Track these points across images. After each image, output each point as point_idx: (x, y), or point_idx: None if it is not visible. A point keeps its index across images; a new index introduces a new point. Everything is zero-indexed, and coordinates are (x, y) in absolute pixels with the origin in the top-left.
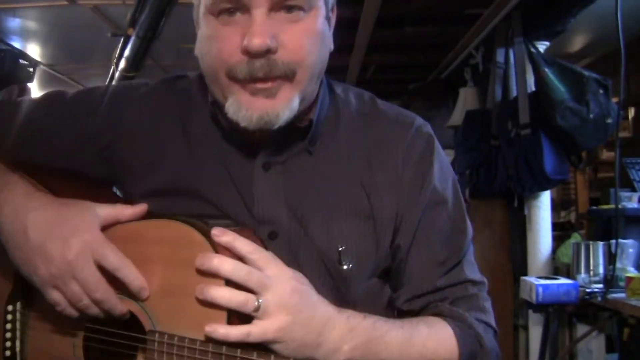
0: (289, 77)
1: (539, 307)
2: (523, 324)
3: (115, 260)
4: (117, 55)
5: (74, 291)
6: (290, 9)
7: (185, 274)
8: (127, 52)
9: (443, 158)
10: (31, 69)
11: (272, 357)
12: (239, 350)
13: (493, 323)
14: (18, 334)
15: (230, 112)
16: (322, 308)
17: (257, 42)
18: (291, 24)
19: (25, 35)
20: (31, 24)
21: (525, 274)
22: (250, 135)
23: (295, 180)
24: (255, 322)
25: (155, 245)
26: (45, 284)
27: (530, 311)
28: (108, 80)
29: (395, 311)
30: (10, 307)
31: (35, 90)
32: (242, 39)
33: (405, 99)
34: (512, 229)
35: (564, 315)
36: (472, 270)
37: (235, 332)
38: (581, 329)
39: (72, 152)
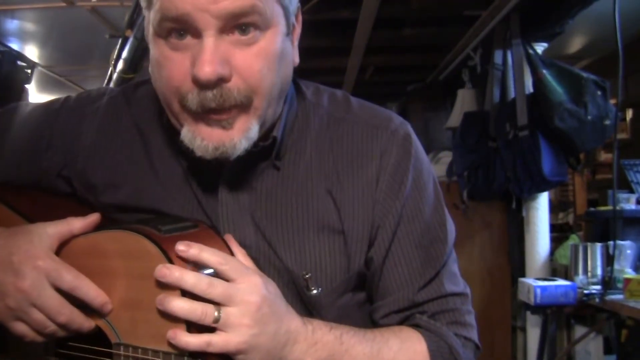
0: (245, 105)
1: (537, 309)
2: (521, 326)
3: (72, 279)
4: (115, 57)
5: (37, 319)
6: (244, 29)
7: (144, 285)
8: (125, 54)
9: (421, 160)
10: (29, 71)
11: None
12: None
13: (474, 337)
14: None
15: (185, 140)
16: (288, 320)
17: (207, 70)
18: (245, 47)
19: (23, 36)
20: (29, 26)
21: (524, 276)
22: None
23: (262, 199)
24: (217, 332)
25: (112, 258)
26: (7, 318)
27: (528, 313)
28: (106, 81)
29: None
30: None
31: (33, 91)
32: (192, 66)
33: (404, 101)
34: (510, 230)
35: (562, 316)
36: (453, 281)
37: (195, 341)
38: (579, 330)
39: (31, 173)
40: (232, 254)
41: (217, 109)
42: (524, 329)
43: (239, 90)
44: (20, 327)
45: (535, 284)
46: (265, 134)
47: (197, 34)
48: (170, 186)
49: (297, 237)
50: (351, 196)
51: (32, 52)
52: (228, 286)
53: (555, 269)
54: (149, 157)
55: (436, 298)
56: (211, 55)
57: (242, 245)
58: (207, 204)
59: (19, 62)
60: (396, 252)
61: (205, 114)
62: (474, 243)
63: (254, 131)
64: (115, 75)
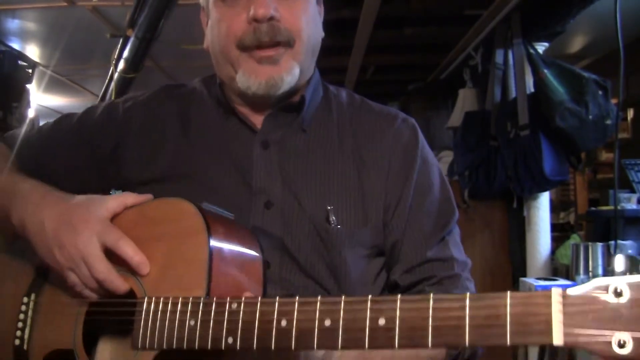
0: (289, 44)
1: None
2: None
3: (116, 238)
4: (116, 56)
5: (83, 273)
6: None
7: (177, 243)
8: (126, 53)
9: (427, 146)
10: (30, 70)
11: (243, 299)
12: (214, 298)
13: None
14: (29, 322)
15: (240, 82)
16: None
17: (262, 10)
18: (289, 2)
19: (24, 36)
20: (30, 25)
21: (525, 275)
22: (250, 114)
23: (291, 157)
24: None
25: (155, 224)
26: (63, 267)
27: None
28: (107, 81)
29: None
30: (25, 299)
31: (34, 91)
32: (248, 14)
33: (404, 100)
34: (511, 230)
35: None
36: (457, 250)
37: None
38: None
39: (89, 160)
40: (260, 248)
41: (268, 43)
42: None
43: (285, 29)
44: (72, 277)
45: (536, 283)
46: (296, 91)
47: None
48: (205, 150)
49: (319, 185)
50: (369, 165)
51: (33, 51)
52: None
53: (556, 269)
54: (186, 132)
55: (444, 259)
56: (265, 0)
57: (270, 193)
58: (240, 160)
59: (20, 62)
60: (412, 221)
61: (258, 50)
62: (475, 242)
63: (296, 70)
64: (116, 75)
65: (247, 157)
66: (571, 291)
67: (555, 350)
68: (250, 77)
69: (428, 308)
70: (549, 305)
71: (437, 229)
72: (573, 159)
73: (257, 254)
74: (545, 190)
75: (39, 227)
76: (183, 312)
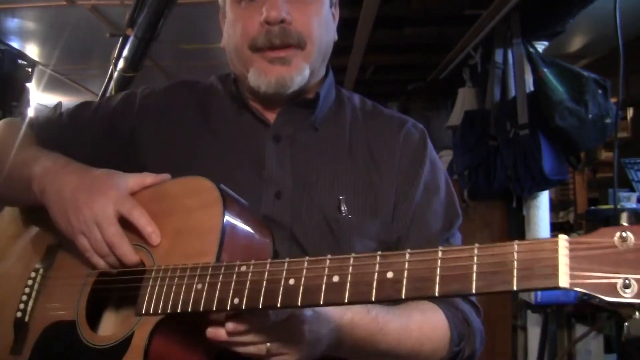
0: (301, 46)
1: (538, 308)
2: (522, 325)
3: (130, 206)
4: (115, 56)
5: (95, 237)
6: None
7: (190, 216)
8: (125, 53)
9: (434, 152)
10: (29, 69)
11: (252, 261)
12: (223, 267)
13: (476, 301)
14: (34, 294)
15: (252, 80)
16: (328, 334)
17: (274, 13)
18: (302, 5)
19: (23, 35)
20: (30, 24)
21: None
22: (263, 110)
23: (302, 151)
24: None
25: (171, 199)
26: (76, 231)
27: (528, 312)
28: (106, 80)
29: None
30: (33, 274)
31: (34, 90)
32: (261, 16)
33: (404, 100)
34: (511, 229)
35: (562, 315)
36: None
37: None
38: (580, 329)
39: (110, 146)
40: (272, 236)
41: (280, 45)
42: (524, 328)
43: (297, 31)
44: (83, 241)
45: None
46: (310, 88)
47: None
48: (220, 138)
49: (330, 178)
50: (379, 163)
51: (32, 50)
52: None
53: None
54: (205, 120)
55: None
56: (277, 3)
57: (280, 184)
58: (252, 151)
59: (20, 61)
60: (419, 220)
61: (269, 51)
62: (475, 242)
63: (306, 72)
64: (116, 74)
65: (260, 150)
66: (577, 238)
67: (555, 348)
68: (260, 75)
69: (436, 259)
70: (556, 250)
71: (443, 230)
72: (572, 158)
73: (267, 240)
74: (544, 189)
75: (58, 192)
76: (191, 277)
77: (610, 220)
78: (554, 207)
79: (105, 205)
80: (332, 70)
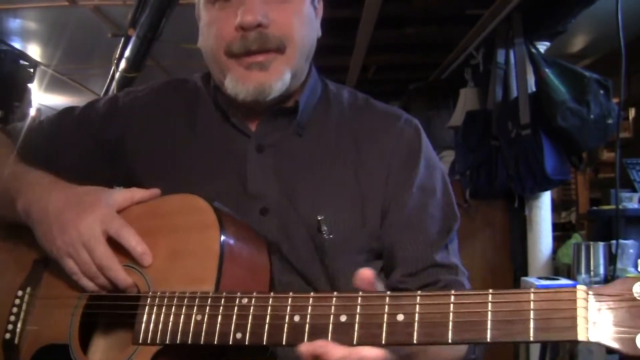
0: (280, 50)
1: None
2: None
3: (119, 227)
4: (117, 56)
5: (83, 259)
6: None
7: (186, 236)
8: (127, 53)
9: (430, 149)
10: (31, 70)
11: (255, 293)
12: (223, 299)
13: None
14: (22, 315)
15: (229, 88)
16: None
17: (249, 17)
18: (280, 4)
19: (25, 35)
20: (32, 25)
21: (526, 275)
22: (246, 118)
23: (286, 161)
24: None
25: (164, 217)
26: (62, 252)
27: None
28: (108, 80)
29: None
30: (20, 293)
31: (36, 90)
32: (236, 19)
33: (406, 99)
34: (513, 229)
35: None
36: (458, 258)
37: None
38: None
39: (94, 154)
40: (268, 249)
41: (257, 50)
42: None
43: (275, 36)
44: (70, 264)
45: (538, 282)
46: (290, 96)
47: None
48: (206, 148)
49: (314, 191)
50: (368, 165)
51: (34, 51)
52: None
53: (557, 268)
54: (191, 127)
55: (448, 265)
56: (252, 5)
57: (265, 199)
58: (236, 163)
59: (22, 61)
60: (414, 223)
61: (246, 57)
62: (476, 242)
63: (287, 76)
64: (117, 74)
65: (242, 161)
66: (596, 289)
67: (556, 350)
68: (238, 83)
69: (449, 304)
70: (574, 301)
71: (442, 234)
72: (574, 158)
73: (265, 256)
74: (546, 189)
75: (43, 212)
76: (189, 307)
77: (612, 220)
78: (556, 207)
79: (92, 225)
80: (315, 69)
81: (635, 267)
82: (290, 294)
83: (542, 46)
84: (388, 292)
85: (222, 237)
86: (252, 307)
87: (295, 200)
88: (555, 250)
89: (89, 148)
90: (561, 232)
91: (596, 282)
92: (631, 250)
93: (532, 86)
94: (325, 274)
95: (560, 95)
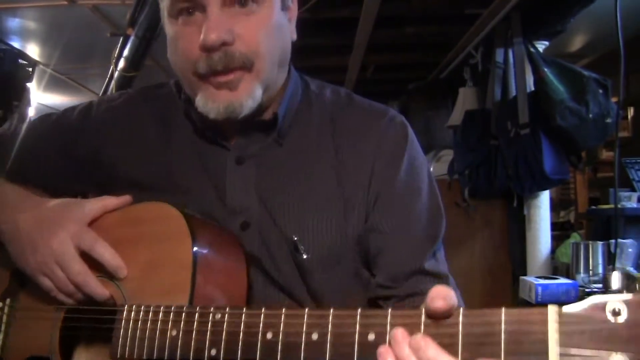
0: (247, 67)
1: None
2: None
3: (91, 241)
4: (116, 55)
5: (59, 277)
6: (243, 2)
7: (160, 247)
8: (126, 52)
9: (417, 147)
10: (30, 69)
11: (227, 309)
12: (197, 308)
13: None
14: (4, 327)
15: (200, 106)
16: None
17: (211, 36)
18: (245, 17)
19: (24, 35)
20: (30, 24)
21: (525, 274)
22: (223, 130)
23: (267, 172)
24: None
25: (136, 226)
26: (36, 271)
27: None
28: (107, 80)
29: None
30: (0, 304)
31: (35, 90)
32: (200, 36)
33: (405, 99)
34: (512, 228)
35: None
36: (446, 266)
37: None
38: None
39: (67, 165)
40: (244, 252)
41: (223, 70)
42: None
43: (241, 53)
44: (46, 282)
45: (537, 282)
46: (267, 109)
47: (203, 9)
48: (182, 161)
49: (296, 207)
50: (350, 169)
51: (33, 50)
52: None
53: (556, 267)
54: (166, 139)
55: (438, 275)
56: (215, 23)
57: (246, 214)
58: (215, 176)
59: (21, 61)
60: (400, 226)
61: (213, 77)
62: (475, 241)
63: (257, 92)
64: (116, 74)
65: (221, 174)
66: (567, 309)
67: None
68: (208, 102)
69: (420, 323)
70: (545, 323)
71: (430, 238)
72: (573, 157)
73: (241, 260)
74: (545, 189)
75: (14, 231)
76: (165, 322)
77: (611, 220)
78: (555, 207)
79: (64, 241)
80: (294, 72)
81: (634, 266)
82: (263, 309)
83: (541, 45)
84: (359, 310)
85: (195, 247)
86: (225, 323)
87: (276, 215)
88: (554, 250)
89: (59, 163)
90: (560, 231)
91: (595, 282)
92: (630, 250)
93: (531, 85)
94: (308, 290)
95: (559, 95)
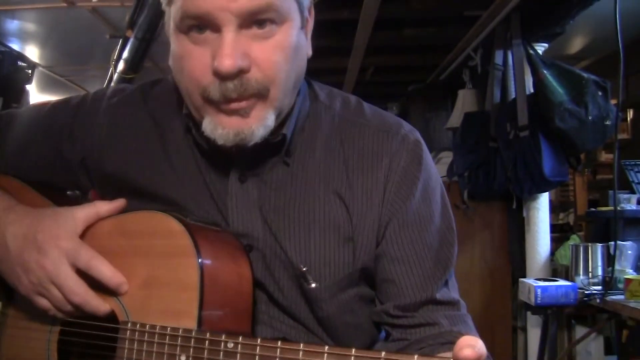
0: (262, 95)
1: (538, 309)
2: (522, 326)
3: (88, 259)
4: (115, 57)
5: (55, 296)
6: (261, 23)
7: (162, 263)
8: (125, 54)
9: (430, 168)
10: (29, 71)
11: (240, 338)
12: (207, 334)
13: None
14: None
15: (207, 131)
16: None
17: (227, 64)
18: (263, 40)
19: (23, 37)
20: (30, 26)
21: (524, 276)
22: (226, 149)
23: (271, 193)
24: None
25: (135, 238)
26: (30, 292)
27: (528, 313)
28: (106, 82)
29: (381, 325)
30: None
31: (34, 92)
32: (212, 59)
33: (404, 101)
34: (511, 230)
35: (562, 317)
36: (455, 290)
37: None
38: (580, 330)
39: (54, 165)
40: (249, 261)
41: (237, 98)
42: (524, 329)
43: (257, 81)
44: (42, 302)
45: (536, 284)
46: (275, 130)
47: (217, 28)
48: (183, 176)
49: (303, 232)
50: (360, 194)
51: (32, 52)
52: None
53: (555, 270)
54: (165, 148)
55: (449, 302)
56: (231, 49)
57: (250, 237)
58: (218, 195)
59: (20, 62)
60: (411, 254)
61: (226, 104)
62: (475, 243)
63: (270, 120)
64: (115, 76)
65: (224, 192)
66: None
67: (554, 350)
68: (217, 127)
69: None
70: None
71: (441, 265)
72: (572, 159)
73: (246, 268)
74: (544, 191)
75: (1, 248)
76: (172, 346)
77: (610, 222)
78: (554, 209)
79: (58, 260)
80: (304, 82)
81: (634, 268)
82: (279, 343)
83: (540, 47)
84: (383, 353)
85: (201, 267)
86: (238, 355)
87: (282, 238)
88: (553, 252)
89: (49, 157)
90: (559, 233)
91: (594, 284)
92: (629, 252)
93: (530, 87)
94: (316, 318)
95: (559, 97)
